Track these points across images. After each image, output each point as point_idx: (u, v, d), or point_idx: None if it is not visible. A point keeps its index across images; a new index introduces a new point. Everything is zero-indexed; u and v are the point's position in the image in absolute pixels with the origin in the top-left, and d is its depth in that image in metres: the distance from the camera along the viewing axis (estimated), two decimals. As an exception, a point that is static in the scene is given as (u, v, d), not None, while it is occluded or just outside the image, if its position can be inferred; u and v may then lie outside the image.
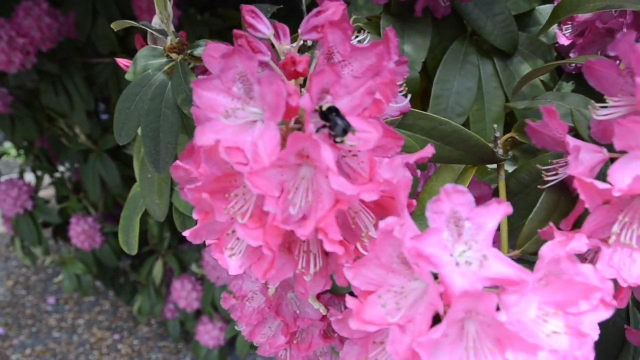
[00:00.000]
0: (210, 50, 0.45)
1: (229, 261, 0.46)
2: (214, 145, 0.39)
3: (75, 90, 2.33)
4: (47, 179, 3.07)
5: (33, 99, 2.54)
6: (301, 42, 0.49)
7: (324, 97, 0.41)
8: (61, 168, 3.03)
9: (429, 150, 0.45)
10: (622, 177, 0.43)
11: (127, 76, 0.77)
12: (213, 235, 0.47)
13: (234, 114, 0.41)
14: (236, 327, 0.81)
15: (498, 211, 0.38)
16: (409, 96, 0.58)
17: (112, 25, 0.79)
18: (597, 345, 0.70)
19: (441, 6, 0.91)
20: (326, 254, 0.47)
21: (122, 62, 0.82)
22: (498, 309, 0.38)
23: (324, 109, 0.40)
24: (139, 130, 0.74)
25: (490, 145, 0.56)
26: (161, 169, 0.71)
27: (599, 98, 0.50)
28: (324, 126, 0.40)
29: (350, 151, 0.44)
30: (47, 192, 3.41)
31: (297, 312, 0.70)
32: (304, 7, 0.88)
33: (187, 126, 0.77)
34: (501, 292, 0.38)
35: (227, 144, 0.40)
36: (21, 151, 3.16)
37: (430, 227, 0.38)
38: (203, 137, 0.41)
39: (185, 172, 0.46)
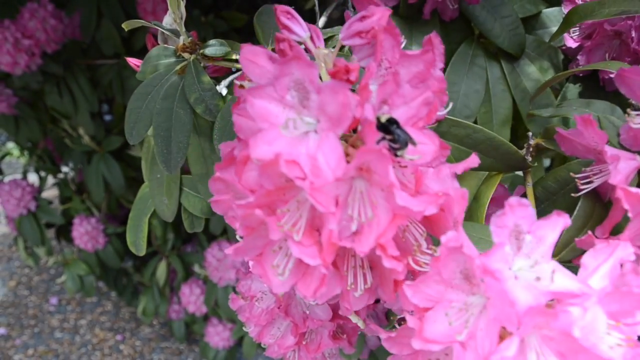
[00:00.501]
0: (247, 54, 0.42)
1: (274, 279, 0.43)
2: (274, 159, 0.37)
3: (79, 92, 2.33)
4: (50, 180, 3.06)
5: (37, 100, 2.53)
6: (340, 46, 0.47)
7: (382, 106, 0.39)
8: (65, 169, 3.03)
9: (474, 160, 0.44)
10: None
11: (138, 76, 0.77)
12: (254, 252, 0.45)
13: (294, 125, 0.39)
14: (244, 329, 0.81)
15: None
16: (450, 104, 0.56)
17: (123, 25, 0.79)
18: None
19: (449, 9, 0.91)
20: (371, 268, 0.46)
21: (132, 61, 0.82)
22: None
23: (382, 120, 0.38)
24: (148, 131, 0.74)
25: (522, 152, 0.55)
26: (172, 168, 0.71)
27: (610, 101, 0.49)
28: (383, 138, 0.39)
29: (399, 162, 0.42)
30: (50, 192, 3.40)
31: (307, 312, 0.69)
32: (316, 8, 0.87)
33: (198, 126, 0.77)
34: (564, 305, 0.37)
35: (286, 158, 0.38)
36: (25, 152, 3.15)
37: (495, 241, 0.37)
38: (257, 149, 0.38)
39: (224, 184, 0.44)
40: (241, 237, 0.43)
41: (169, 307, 2.89)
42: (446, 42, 0.98)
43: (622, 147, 0.49)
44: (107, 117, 2.97)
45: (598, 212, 0.50)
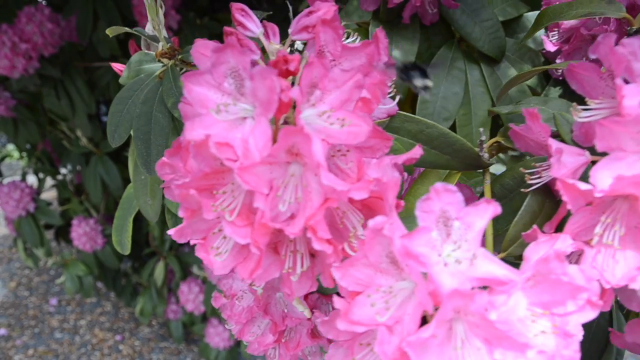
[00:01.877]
0: (199, 47, 0.45)
1: (214, 261, 0.45)
2: (204, 140, 0.38)
3: (76, 94, 2.35)
4: (49, 182, 3.09)
5: (36, 102, 2.56)
6: (290, 42, 0.49)
7: (313, 91, 0.40)
8: (63, 170, 3.05)
9: (417, 152, 0.45)
10: (603, 178, 0.43)
11: (121, 80, 0.79)
12: (198, 235, 0.47)
13: (226, 109, 0.40)
14: (226, 326, 0.83)
15: (487, 211, 0.38)
16: (397, 98, 0.58)
17: (107, 31, 0.80)
18: (581, 347, 0.71)
19: (428, 13, 0.92)
20: (313, 255, 0.47)
21: (117, 66, 0.84)
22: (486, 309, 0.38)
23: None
24: (132, 133, 0.75)
25: (476, 149, 0.57)
26: (152, 170, 0.72)
27: (583, 102, 0.50)
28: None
29: (339, 150, 0.44)
30: (49, 194, 3.43)
31: (286, 311, 0.71)
32: (290, 15, 0.87)
33: (178, 129, 0.78)
34: (489, 292, 0.38)
35: (217, 140, 0.39)
36: (23, 154, 3.18)
37: (419, 226, 0.38)
38: (193, 131, 0.40)
39: (171, 169, 0.46)
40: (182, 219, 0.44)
41: (167, 307, 2.91)
42: (427, 45, 1.00)
43: (575, 144, 0.50)
44: (105, 118, 2.99)
45: (548, 208, 0.51)
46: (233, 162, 0.38)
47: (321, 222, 0.39)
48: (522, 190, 0.52)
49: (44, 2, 2.50)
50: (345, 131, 0.39)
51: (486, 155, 0.58)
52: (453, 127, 0.95)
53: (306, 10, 0.46)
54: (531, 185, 0.50)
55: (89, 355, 3.48)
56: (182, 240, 0.47)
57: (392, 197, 0.39)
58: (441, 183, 0.37)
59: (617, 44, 0.45)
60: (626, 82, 0.46)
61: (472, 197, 0.71)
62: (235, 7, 0.47)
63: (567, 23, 0.88)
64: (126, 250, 0.93)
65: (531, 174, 0.50)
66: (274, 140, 0.40)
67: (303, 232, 0.40)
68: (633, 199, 0.43)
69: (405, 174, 0.68)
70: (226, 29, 0.44)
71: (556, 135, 0.55)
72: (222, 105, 0.40)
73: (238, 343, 2.71)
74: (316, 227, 0.39)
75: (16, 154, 3.79)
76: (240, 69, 0.40)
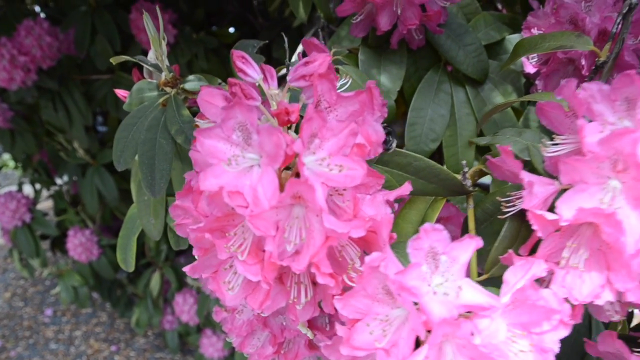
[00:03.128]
0: (205, 96, 0.50)
1: (226, 294, 0.50)
2: (218, 191, 0.43)
3: (74, 106, 2.38)
4: (46, 192, 3.11)
5: (33, 114, 2.59)
6: (288, 88, 0.54)
7: (313, 140, 0.45)
8: (59, 181, 3.07)
9: (406, 188, 0.50)
10: (567, 208, 0.48)
11: (125, 107, 0.83)
12: (210, 270, 0.52)
13: (236, 161, 0.45)
14: (227, 339, 0.87)
15: (470, 245, 0.43)
16: (394, 143, 0.63)
17: (111, 60, 0.85)
18: (562, 353, 0.76)
19: (415, 38, 0.97)
20: (314, 284, 0.52)
21: (120, 92, 0.88)
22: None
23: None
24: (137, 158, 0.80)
25: (459, 177, 0.62)
26: (156, 193, 0.77)
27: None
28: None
29: (337, 190, 0.48)
30: (45, 204, 3.45)
31: (284, 323, 0.75)
32: (286, 45, 0.91)
33: (181, 153, 0.83)
34: (473, 317, 0.43)
35: (228, 189, 0.44)
36: (19, 164, 3.20)
37: (411, 262, 0.43)
38: (206, 182, 0.45)
39: (183, 211, 0.51)
40: (196, 257, 0.49)
41: (163, 318, 2.93)
42: (415, 69, 1.05)
43: (547, 173, 0.55)
44: (101, 129, 3.02)
45: (524, 232, 0.56)
46: (244, 209, 0.43)
47: (324, 259, 0.44)
48: (499, 217, 0.56)
49: (42, 16, 2.54)
50: (343, 175, 0.44)
51: (469, 182, 0.63)
52: (440, 148, 1.00)
53: (303, 60, 0.50)
54: (507, 212, 0.55)
55: (84, 365, 3.49)
56: (195, 276, 0.52)
57: (386, 233, 0.44)
58: (429, 224, 0.42)
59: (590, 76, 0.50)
60: (590, 120, 0.51)
61: (457, 214, 0.76)
62: (236, 55, 0.51)
63: (546, 47, 0.93)
64: (130, 267, 0.98)
65: (507, 202, 0.55)
66: (280, 188, 0.44)
67: (307, 268, 0.45)
68: (596, 225, 0.48)
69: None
70: (230, 80, 0.48)
71: (529, 164, 0.60)
72: (232, 158, 0.45)
73: (232, 354, 2.73)
74: (319, 263, 0.44)
75: (12, 163, 3.80)
76: (247, 123, 0.44)
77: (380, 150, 0.49)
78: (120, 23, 2.19)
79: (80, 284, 2.81)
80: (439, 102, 1.00)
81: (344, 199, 0.47)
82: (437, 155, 1.06)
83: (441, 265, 0.42)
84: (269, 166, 0.43)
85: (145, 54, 0.90)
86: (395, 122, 0.91)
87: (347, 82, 0.60)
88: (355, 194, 0.47)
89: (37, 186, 3.03)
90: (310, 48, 0.54)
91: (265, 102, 0.54)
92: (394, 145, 0.54)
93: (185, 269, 0.50)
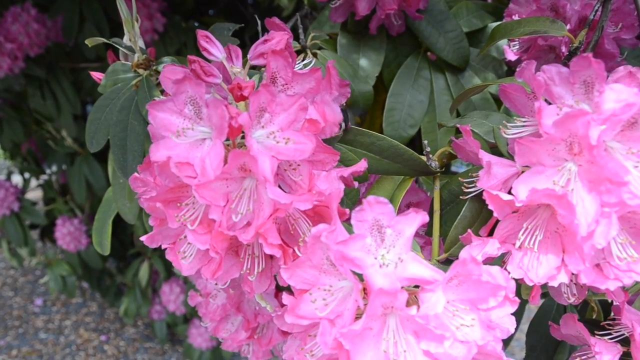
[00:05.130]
0: (166, 72, 0.50)
1: (182, 263, 0.51)
2: (166, 160, 0.44)
3: (62, 94, 2.37)
4: (35, 181, 3.10)
5: (21, 102, 2.57)
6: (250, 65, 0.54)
7: (263, 114, 0.46)
8: (49, 170, 3.07)
9: (362, 165, 0.51)
10: (522, 189, 0.49)
11: (99, 89, 0.83)
12: (168, 240, 0.53)
13: (184, 133, 0.46)
14: (202, 324, 0.87)
15: (415, 219, 0.43)
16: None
17: (86, 42, 0.85)
18: (537, 341, 0.77)
19: (394, 24, 0.97)
20: (270, 257, 0.52)
21: (95, 75, 0.88)
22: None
23: None
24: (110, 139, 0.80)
25: (424, 158, 0.62)
26: (129, 174, 0.77)
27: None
28: None
29: (291, 165, 0.49)
30: (35, 194, 3.43)
31: (257, 308, 0.75)
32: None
33: (153, 136, 0.83)
34: (420, 291, 0.43)
35: (178, 160, 0.45)
36: (7, 153, 3.18)
37: (354, 233, 0.43)
38: (157, 153, 0.46)
39: (142, 183, 0.52)
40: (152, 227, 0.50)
41: (151, 307, 2.94)
42: (395, 55, 1.05)
43: (511, 156, 0.55)
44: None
45: (485, 214, 0.56)
46: (192, 179, 0.44)
47: (271, 230, 0.45)
48: (461, 197, 0.57)
49: (30, 3, 2.52)
50: (292, 148, 0.45)
51: (435, 164, 0.63)
52: (418, 134, 1.00)
53: (262, 38, 0.51)
54: (468, 192, 0.56)
55: (74, 355, 3.49)
56: (153, 245, 0.53)
57: (335, 207, 0.44)
58: (373, 196, 0.42)
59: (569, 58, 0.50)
60: (549, 103, 0.51)
61: (427, 199, 0.76)
62: (201, 34, 0.52)
63: (527, 34, 0.94)
64: (106, 251, 0.98)
65: (469, 183, 0.55)
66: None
67: (256, 239, 0.45)
68: (553, 207, 0.48)
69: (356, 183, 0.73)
70: (190, 57, 0.49)
71: (495, 147, 0.60)
72: (181, 130, 0.46)
73: (220, 343, 2.74)
74: (266, 234, 0.45)
75: (0, 152, 3.78)
76: (197, 97, 0.45)
77: (336, 130, 0.49)
78: (109, 10, 2.17)
79: (68, 274, 2.82)
80: (418, 88, 1.00)
81: (297, 174, 0.48)
82: (418, 141, 1.06)
83: (387, 239, 0.42)
84: (217, 138, 0.44)
85: (113, 52, 0.90)
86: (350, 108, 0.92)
87: (312, 61, 0.60)
88: (310, 170, 0.47)
89: (26, 175, 3.02)
90: (272, 27, 0.55)
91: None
92: (343, 126, 0.55)
93: (143, 238, 0.51)
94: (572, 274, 0.49)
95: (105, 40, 0.82)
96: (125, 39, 0.83)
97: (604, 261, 0.49)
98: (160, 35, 2.14)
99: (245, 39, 2.04)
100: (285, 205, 0.44)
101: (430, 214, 0.64)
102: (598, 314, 0.77)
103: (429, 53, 1.05)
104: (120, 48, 0.83)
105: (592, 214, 0.45)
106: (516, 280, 0.49)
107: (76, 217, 2.74)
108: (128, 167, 0.77)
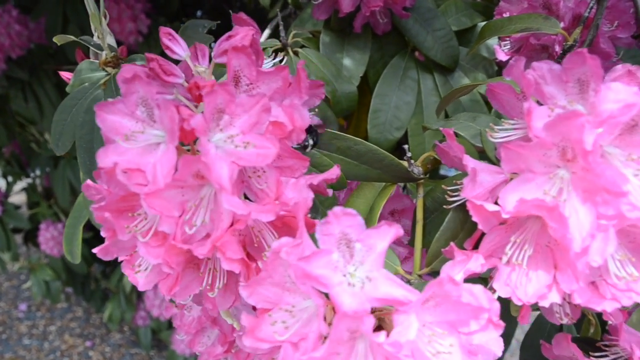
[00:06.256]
0: (124, 72, 0.45)
1: (137, 277, 0.47)
2: (113, 167, 0.40)
3: (45, 97, 2.32)
4: (19, 185, 3.04)
5: (4, 104, 2.51)
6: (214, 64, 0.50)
7: (221, 116, 0.42)
8: (32, 174, 3.01)
9: (334, 172, 0.47)
10: (510, 199, 0.44)
11: (67, 89, 0.78)
12: (124, 252, 0.49)
13: (134, 137, 0.42)
14: (177, 336, 0.82)
15: (388, 233, 0.38)
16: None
17: (54, 39, 0.80)
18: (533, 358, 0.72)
19: (380, 23, 0.93)
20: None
21: (64, 75, 0.83)
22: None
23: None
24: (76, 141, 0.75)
25: (405, 164, 0.57)
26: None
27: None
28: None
29: (255, 172, 0.45)
30: (19, 197, 3.37)
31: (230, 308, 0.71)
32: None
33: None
34: (394, 312, 0.39)
35: (128, 166, 0.41)
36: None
37: (319, 248, 0.38)
38: (105, 159, 0.41)
39: (96, 191, 0.47)
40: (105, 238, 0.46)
41: (136, 313, 2.88)
42: (380, 54, 1.01)
43: (498, 161, 0.51)
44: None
45: (470, 225, 0.51)
46: (141, 187, 0.39)
47: (229, 243, 0.41)
48: (445, 207, 0.52)
49: (13, 2, 2.47)
50: (253, 153, 0.40)
51: (417, 170, 0.59)
52: (405, 136, 0.96)
53: (226, 34, 0.47)
54: (453, 202, 0.51)
55: (58, 361, 3.42)
56: (107, 258, 0.49)
57: (302, 217, 0.40)
58: (339, 207, 0.37)
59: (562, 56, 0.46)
60: (540, 104, 0.47)
61: (412, 205, 0.72)
62: (163, 31, 0.48)
63: (518, 33, 0.90)
64: (76, 259, 0.93)
65: (453, 191, 0.51)
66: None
67: (214, 252, 0.41)
68: (543, 219, 0.44)
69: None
70: (148, 55, 0.45)
71: (482, 152, 0.56)
72: (130, 133, 0.42)
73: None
74: (224, 247, 0.40)
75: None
76: (148, 98, 0.41)
77: (303, 136, 0.45)
78: (94, 12, 2.12)
79: (52, 279, 2.76)
80: (405, 88, 0.96)
81: (262, 182, 0.44)
82: (405, 144, 1.01)
83: (356, 254, 0.38)
84: (170, 143, 0.40)
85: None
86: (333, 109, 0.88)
87: (282, 59, 0.56)
88: (277, 177, 0.43)
89: (10, 178, 2.95)
90: (238, 23, 0.50)
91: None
92: (310, 142, 0.51)
93: (95, 250, 0.47)
94: (565, 292, 0.44)
95: (74, 38, 0.78)
96: (95, 37, 0.79)
97: (600, 279, 0.45)
98: (144, 37, 2.09)
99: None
100: (244, 216, 0.39)
101: (414, 224, 0.60)
102: (596, 327, 0.72)
103: (416, 52, 1.01)
104: (89, 46, 0.78)
105: (587, 228, 0.41)
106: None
107: (60, 222, 2.68)
108: (95, 170, 0.72)
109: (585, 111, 0.44)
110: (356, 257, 0.38)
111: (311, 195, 0.42)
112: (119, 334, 3.66)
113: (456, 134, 0.57)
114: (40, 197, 2.92)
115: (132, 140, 0.41)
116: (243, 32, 0.45)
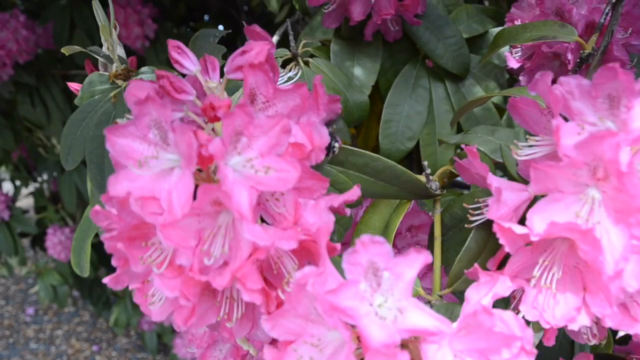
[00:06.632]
0: (132, 89, 0.44)
1: (151, 308, 0.45)
2: (126, 196, 0.38)
3: (52, 102, 2.32)
4: (26, 189, 3.04)
5: (12, 109, 2.51)
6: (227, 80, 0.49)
7: (238, 139, 0.40)
8: (40, 178, 3.01)
9: (355, 192, 0.45)
10: (539, 221, 0.42)
11: (76, 101, 0.77)
12: (136, 281, 0.46)
13: (147, 164, 0.40)
14: (189, 350, 0.81)
15: (417, 261, 0.37)
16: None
17: (62, 50, 0.79)
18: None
19: (391, 30, 0.91)
20: None
21: (73, 86, 0.82)
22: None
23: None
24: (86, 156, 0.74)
25: (423, 180, 0.56)
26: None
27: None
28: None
29: (273, 195, 0.43)
30: (26, 202, 3.37)
31: (247, 335, 0.70)
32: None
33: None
34: (422, 342, 0.37)
35: (141, 193, 0.39)
36: (-1, 161, 3.13)
37: (346, 279, 0.36)
38: (116, 186, 0.39)
39: (105, 217, 0.45)
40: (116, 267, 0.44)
41: (142, 318, 2.88)
42: (391, 62, 0.99)
43: (521, 178, 0.49)
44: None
45: (493, 244, 0.50)
46: (156, 217, 0.38)
47: (250, 273, 0.39)
48: (466, 225, 0.51)
49: (21, 8, 2.47)
50: (274, 177, 0.39)
51: (435, 185, 0.57)
52: (417, 147, 0.95)
53: (240, 49, 0.45)
54: (475, 221, 0.49)
55: (64, 366, 3.42)
56: (119, 287, 0.47)
57: (324, 244, 0.38)
58: (367, 235, 0.35)
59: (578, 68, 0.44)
60: (567, 119, 0.45)
61: (429, 221, 0.70)
62: (172, 44, 0.46)
63: (530, 41, 0.89)
64: (84, 272, 0.91)
65: (475, 209, 0.49)
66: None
67: (232, 283, 0.39)
68: (572, 240, 0.42)
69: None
70: (158, 72, 0.43)
71: (498, 164, 0.54)
72: (143, 159, 0.40)
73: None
74: (245, 278, 0.39)
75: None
76: (162, 121, 0.39)
77: (322, 156, 0.43)
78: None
79: (59, 283, 2.75)
80: (417, 98, 0.95)
81: (280, 205, 0.42)
82: (416, 154, 1.00)
83: (384, 283, 0.36)
84: (186, 169, 0.38)
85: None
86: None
87: (297, 73, 0.54)
88: (296, 199, 0.41)
89: (17, 183, 2.96)
90: (252, 36, 0.49)
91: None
92: (337, 147, 0.49)
93: (106, 280, 0.45)
94: (595, 316, 0.43)
95: (81, 49, 0.77)
96: (104, 48, 0.77)
97: (631, 300, 0.43)
98: (151, 42, 2.09)
99: (238, 44, 1.99)
100: (266, 246, 0.37)
101: (431, 240, 0.58)
102: (608, 338, 0.70)
103: (427, 60, 1.00)
104: (98, 57, 0.77)
105: (620, 250, 0.39)
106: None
107: (67, 226, 2.68)
108: (106, 185, 0.71)
109: (615, 128, 0.42)
110: (384, 286, 0.36)
111: (332, 218, 0.40)
112: (126, 338, 3.66)
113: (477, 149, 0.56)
114: (48, 201, 2.92)
115: (146, 167, 0.39)
116: (258, 48, 0.43)
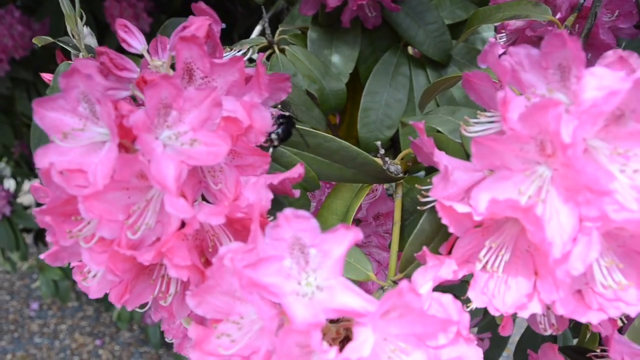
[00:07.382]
0: (77, 67, 0.43)
1: (87, 284, 0.44)
2: (48, 168, 0.37)
3: (50, 97, 2.33)
4: (27, 185, 3.06)
5: (10, 105, 2.53)
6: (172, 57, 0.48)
7: (168, 112, 0.39)
8: (40, 174, 3.03)
9: (296, 170, 0.44)
10: (482, 199, 0.41)
11: (47, 91, 0.77)
12: (75, 258, 0.46)
13: (72, 136, 0.39)
14: (166, 339, 0.81)
15: (346, 237, 0.35)
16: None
17: (34, 41, 0.80)
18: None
19: (369, 16, 0.90)
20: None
21: (46, 77, 0.82)
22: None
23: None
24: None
25: (380, 162, 0.54)
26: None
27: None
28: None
29: (210, 172, 0.42)
30: (28, 197, 3.40)
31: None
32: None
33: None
34: (354, 324, 0.36)
35: (68, 166, 0.38)
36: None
37: (268, 254, 0.35)
38: (43, 159, 0.39)
39: (44, 193, 0.45)
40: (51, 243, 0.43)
41: (145, 312, 2.88)
42: (371, 50, 0.97)
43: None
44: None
45: (446, 228, 0.48)
46: (80, 189, 0.37)
47: (177, 248, 0.38)
48: (419, 208, 0.49)
49: (18, 3, 2.48)
50: (203, 151, 0.38)
51: (395, 168, 0.56)
52: (396, 135, 0.93)
53: (181, 25, 0.44)
54: (428, 203, 0.47)
55: (68, 360, 3.45)
56: (57, 264, 0.46)
57: (256, 220, 0.37)
58: (291, 209, 0.34)
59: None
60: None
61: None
62: (119, 23, 0.46)
63: (513, 25, 0.87)
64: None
65: (428, 190, 0.47)
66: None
67: (159, 259, 0.38)
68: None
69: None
70: (98, 49, 0.42)
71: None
72: (69, 132, 0.39)
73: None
74: (171, 253, 0.38)
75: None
76: (89, 94, 0.39)
77: (262, 138, 0.42)
78: (96, 12, 2.12)
79: (61, 278, 2.77)
80: (396, 85, 0.93)
81: (217, 182, 0.41)
82: (398, 143, 0.98)
83: (311, 261, 0.35)
84: (112, 142, 0.37)
85: (61, 53, 0.84)
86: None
87: (243, 51, 0.53)
88: (237, 177, 0.40)
89: (18, 179, 2.98)
90: (199, 13, 0.48)
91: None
92: (277, 133, 0.48)
93: (43, 255, 0.44)
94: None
95: (53, 40, 0.77)
96: (71, 37, 0.77)
97: (587, 287, 0.41)
98: (146, 35, 2.08)
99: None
100: (190, 219, 0.36)
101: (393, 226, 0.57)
102: (592, 333, 0.68)
103: (409, 47, 0.98)
104: (67, 47, 0.77)
105: (569, 231, 0.37)
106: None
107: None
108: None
109: (567, 100, 0.40)
110: (311, 264, 0.35)
111: (270, 195, 0.39)
112: (129, 332, 3.68)
113: (437, 130, 0.54)
114: (49, 197, 2.94)
115: (71, 139, 0.39)
116: (198, 22, 0.42)
